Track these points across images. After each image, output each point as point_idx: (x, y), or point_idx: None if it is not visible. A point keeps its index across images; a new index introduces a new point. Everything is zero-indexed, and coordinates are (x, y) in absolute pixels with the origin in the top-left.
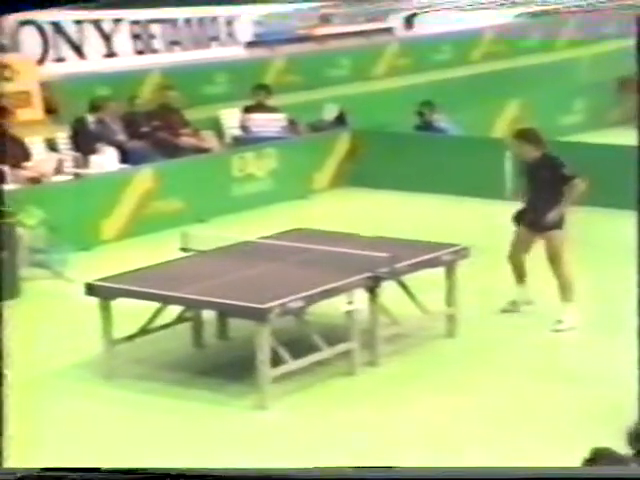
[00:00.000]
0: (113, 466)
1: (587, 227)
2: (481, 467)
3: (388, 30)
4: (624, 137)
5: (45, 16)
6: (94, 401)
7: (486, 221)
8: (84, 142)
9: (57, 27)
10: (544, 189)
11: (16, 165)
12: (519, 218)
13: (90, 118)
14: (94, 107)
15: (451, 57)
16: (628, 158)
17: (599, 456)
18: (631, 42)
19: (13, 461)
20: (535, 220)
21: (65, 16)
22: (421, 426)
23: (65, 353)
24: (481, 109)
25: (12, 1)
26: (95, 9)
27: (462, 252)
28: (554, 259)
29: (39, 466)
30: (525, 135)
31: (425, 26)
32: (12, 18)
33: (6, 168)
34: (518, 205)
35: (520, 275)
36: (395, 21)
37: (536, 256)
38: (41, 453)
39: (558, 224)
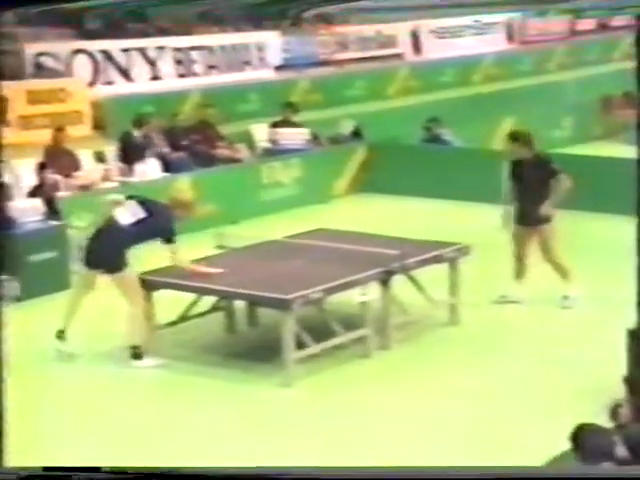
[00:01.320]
0: (116, 465)
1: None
2: (481, 467)
3: (399, 55)
4: (607, 150)
5: (96, 45)
6: (137, 379)
7: (485, 223)
8: (130, 153)
9: (107, 54)
10: (534, 186)
11: (68, 175)
12: (515, 216)
13: (136, 133)
14: (140, 123)
15: (454, 79)
16: (611, 168)
17: (584, 430)
18: (612, 67)
19: (15, 460)
20: (527, 216)
21: (114, 45)
22: (427, 402)
23: (111, 337)
24: (481, 124)
25: None
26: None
27: (464, 250)
28: (546, 250)
29: (41, 465)
30: (520, 136)
31: (432, 52)
32: (66, 47)
33: (60, 177)
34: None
35: (519, 271)
36: (405, 46)
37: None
38: (87, 423)
39: (548, 218)
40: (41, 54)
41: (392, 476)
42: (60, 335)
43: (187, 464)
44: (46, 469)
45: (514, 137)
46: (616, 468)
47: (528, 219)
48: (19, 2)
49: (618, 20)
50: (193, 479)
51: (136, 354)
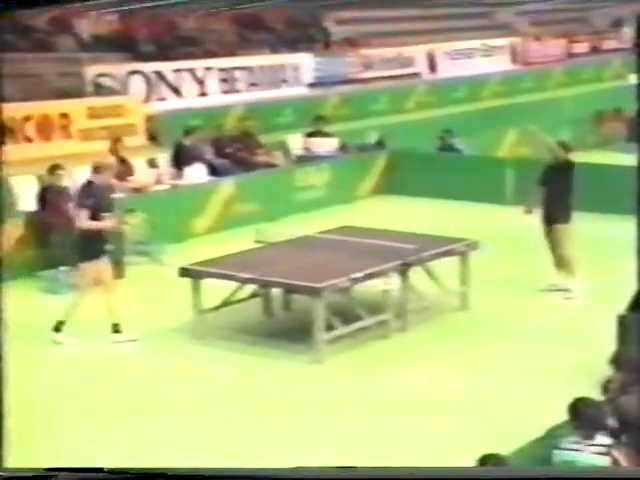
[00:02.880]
0: (116, 465)
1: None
2: (481, 467)
3: (417, 74)
4: (600, 157)
5: (150, 67)
6: (188, 355)
7: (491, 220)
8: (182, 160)
9: (159, 75)
10: (556, 188)
11: (123, 179)
12: (543, 216)
13: (186, 142)
14: (189, 133)
15: (465, 95)
16: (605, 173)
17: (580, 403)
18: (603, 86)
19: (15, 461)
20: (547, 215)
21: (166, 66)
22: (439, 377)
23: (162, 319)
24: (489, 135)
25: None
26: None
27: (473, 245)
28: (557, 245)
29: (42, 466)
30: (568, 145)
31: (446, 71)
32: (123, 69)
33: (116, 181)
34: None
35: (559, 264)
36: (422, 66)
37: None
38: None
39: (565, 219)
40: (100, 75)
41: (391, 476)
42: (116, 329)
43: (223, 434)
44: (48, 470)
45: (564, 145)
46: (616, 468)
47: (548, 218)
48: (19, 2)
49: (609, 44)
50: (193, 479)
51: (117, 330)
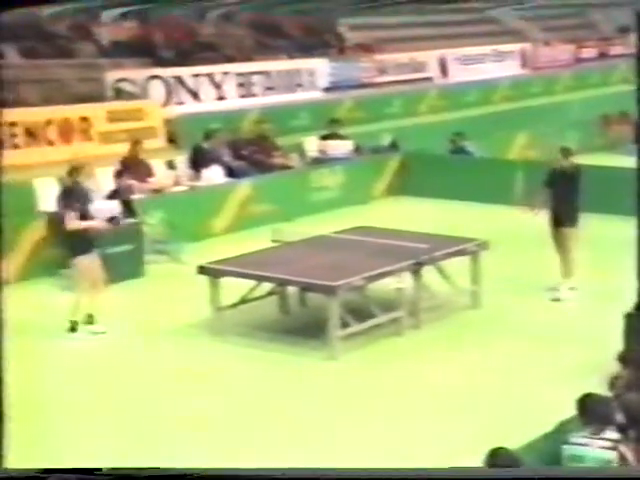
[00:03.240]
0: (115, 466)
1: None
2: (482, 467)
3: (429, 79)
4: (606, 160)
5: (169, 72)
6: (205, 351)
7: (501, 221)
8: (200, 162)
9: (178, 79)
10: (562, 192)
11: (143, 180)
12: (550, 219)
13: (205, 144)
14: (208, 136)
15: (476, 99)
16: (611, 176)
17: (588, 398)
18: (610, 90)
19: (15, 461)
20: (556, 219)
21: (185, 71)
22: (450, 373)
23: (180, 316)
24: (499, 138)
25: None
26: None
27: (483, 245)
28: (564, 248)
29: (41, 467)
30: (569, 150)
31: (457, 76)
32: (142, 74)
33: (136, 182)
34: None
35: (564, 265)
36: (434, 71)
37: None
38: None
39: (572, 222)
40: (120, 80)
41: (392, 476)
42: (89, 320)
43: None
44: (45, 470)
45: (565, 150)
46: (618, 468)
47: (556, 221)
48: (18, 2)
49: (616, 50)
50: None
51: (90, 321)
